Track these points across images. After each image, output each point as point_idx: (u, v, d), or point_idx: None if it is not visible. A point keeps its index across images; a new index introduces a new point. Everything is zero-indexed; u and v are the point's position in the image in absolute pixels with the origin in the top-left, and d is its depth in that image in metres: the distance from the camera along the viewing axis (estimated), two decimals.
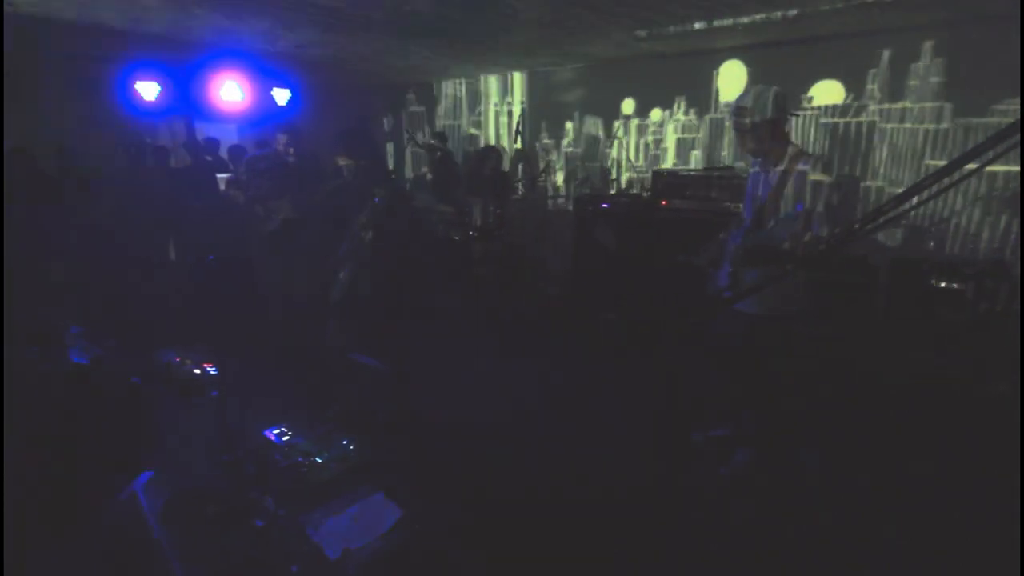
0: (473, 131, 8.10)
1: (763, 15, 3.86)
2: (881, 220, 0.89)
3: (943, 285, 3.83)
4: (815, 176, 2.36)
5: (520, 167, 6.97)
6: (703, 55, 5.41)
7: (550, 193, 7.21)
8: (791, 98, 2.54)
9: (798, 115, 4.93)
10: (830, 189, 2.31)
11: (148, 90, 5.79)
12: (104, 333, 3.26)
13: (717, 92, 5.54)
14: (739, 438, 2.86)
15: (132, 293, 5.17)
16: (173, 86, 6.02)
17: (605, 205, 5.46)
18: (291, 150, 3.43)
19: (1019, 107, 4.05)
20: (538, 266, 6.43)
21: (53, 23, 4.10)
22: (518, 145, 6.74)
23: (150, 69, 5.75)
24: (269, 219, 3.51)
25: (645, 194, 5.49)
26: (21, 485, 2.35)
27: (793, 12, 3.81)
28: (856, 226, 0.98)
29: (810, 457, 2.85)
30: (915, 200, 0.93)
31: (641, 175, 5.98)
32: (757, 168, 2.66)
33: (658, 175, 5.32)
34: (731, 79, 5.30)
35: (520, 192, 6.85)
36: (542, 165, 7.20)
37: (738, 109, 2.45)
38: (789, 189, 2.41)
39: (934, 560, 2.24)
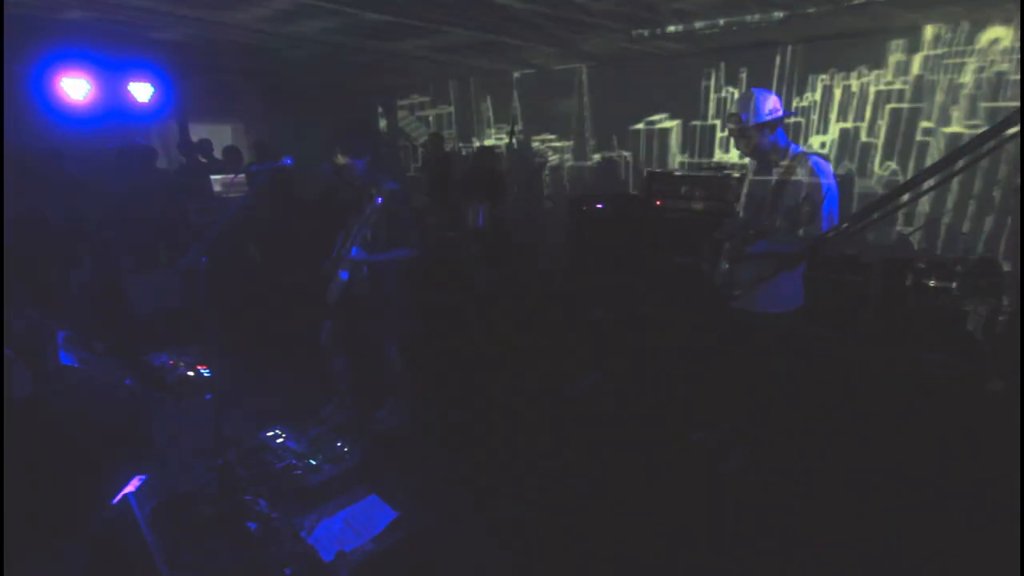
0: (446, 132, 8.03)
1: None
2: (877, 216, 0.89)
3: (935, 283, 3.86)
4: (812, 175, 2.36)
5: (515, 167, 6.97)
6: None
7: (545, 193, 7.22)
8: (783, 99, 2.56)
9: (794, 115, 4.94)
10: (829, 187, 2.32)
11: (141, 91, 5.75)
12: (94, 337, 3.24)
13: None
14: (737, 437, 2.86)
15: (124, 296, 5.15)
16: (166, 87, 5.97)
17: (600, 206, 5.47)
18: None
19: None
20: (532, 265, 6.44)
21: (33, 20, 4.05)
22: (513, 145, 6.74)
23: (144, 69, 5.70)
24: None
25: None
26: (12, 490, 2.33)
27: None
28: (850, 224, 0.98)
29: (808, 456, 2.86)
30: (908, 197, 0.93)
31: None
32: (755, 167, 2.67)
33: (652, 175, 5.33)
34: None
35: (515, 192, 6.85)
36: (537, 163, 7.20)
37: (730, 116, 2.53)
38: (788, 188, 2.42)
39: (934, 560, 2.25)
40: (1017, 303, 3.68)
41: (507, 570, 2.27)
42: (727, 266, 2.61)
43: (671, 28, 4.35)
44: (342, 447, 2.50)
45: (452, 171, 6.91)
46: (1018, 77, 3.98)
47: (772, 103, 2.46)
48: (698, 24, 4.21)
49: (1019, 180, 3.93)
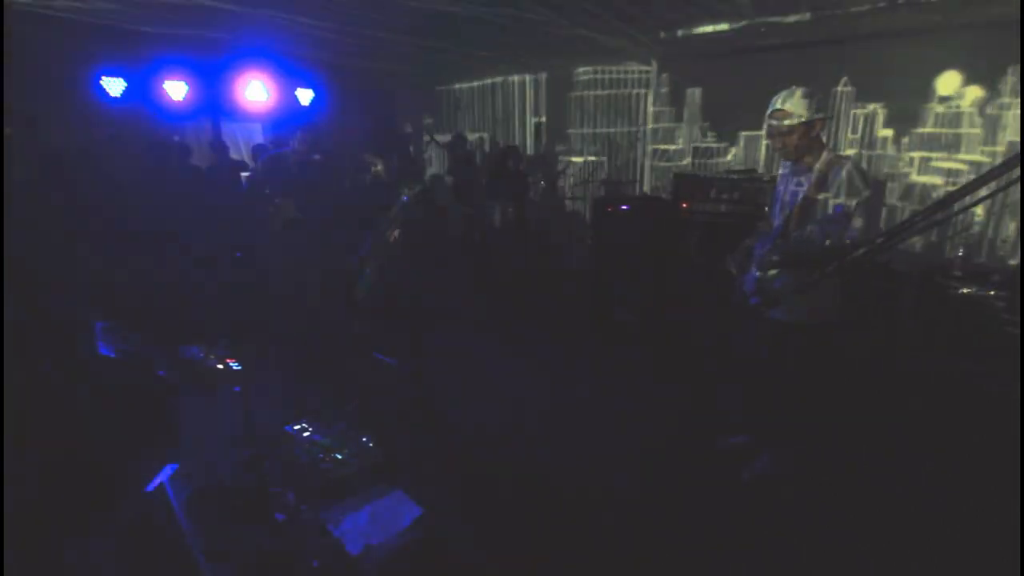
0: (473, 134, 8.07)
1: None
2: (920, 225, 0.87)
3: (970, 291, 3.75)
4: (850, 179, 2.29)
5: (539, 168, 6.97)
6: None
7: (568, 194, 7.20)
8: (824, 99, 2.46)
9: (831, 117, 4.86)
10: (864, 194, 2.26)
11: (176, 90, 5.88)
12: (129, 328, 3.32)
13: None
14: (763, 445, 2.82)
15: (157, 289, 5.27)
16: (199, 86, 6.10)
17: (625, 207, 5.43)
18: (312, 150, 3.47)
19: None
20: (556, 266, 6.43)
21: (69, 21, 4.16)
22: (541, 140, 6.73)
23: (177, 68, 5.83)
24: (275, 219, 3.58)
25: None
26: (47, 479, 2.41)
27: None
28: (893, 232, 0.97)
29: (835, 464, 2.81)
30: (954, 207, 0.92)
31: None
32: (787, 171, 2.59)
33: (680, 177, 5.27)
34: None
35: (538, 193, 6.85)
36: (560, 167, 7.19)
37: (775, 112, 2.39)
38: (822, 193, 2.35)
39: (954, 563, 2.21)
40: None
41: (529, 569, 2.27)
42: (759, 273, 2.54)
43: None
44: (367, 442, 2.53)
45: (475, 171, 6.94)
46: None
47: (817, 101, 2.36)
48: None
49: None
